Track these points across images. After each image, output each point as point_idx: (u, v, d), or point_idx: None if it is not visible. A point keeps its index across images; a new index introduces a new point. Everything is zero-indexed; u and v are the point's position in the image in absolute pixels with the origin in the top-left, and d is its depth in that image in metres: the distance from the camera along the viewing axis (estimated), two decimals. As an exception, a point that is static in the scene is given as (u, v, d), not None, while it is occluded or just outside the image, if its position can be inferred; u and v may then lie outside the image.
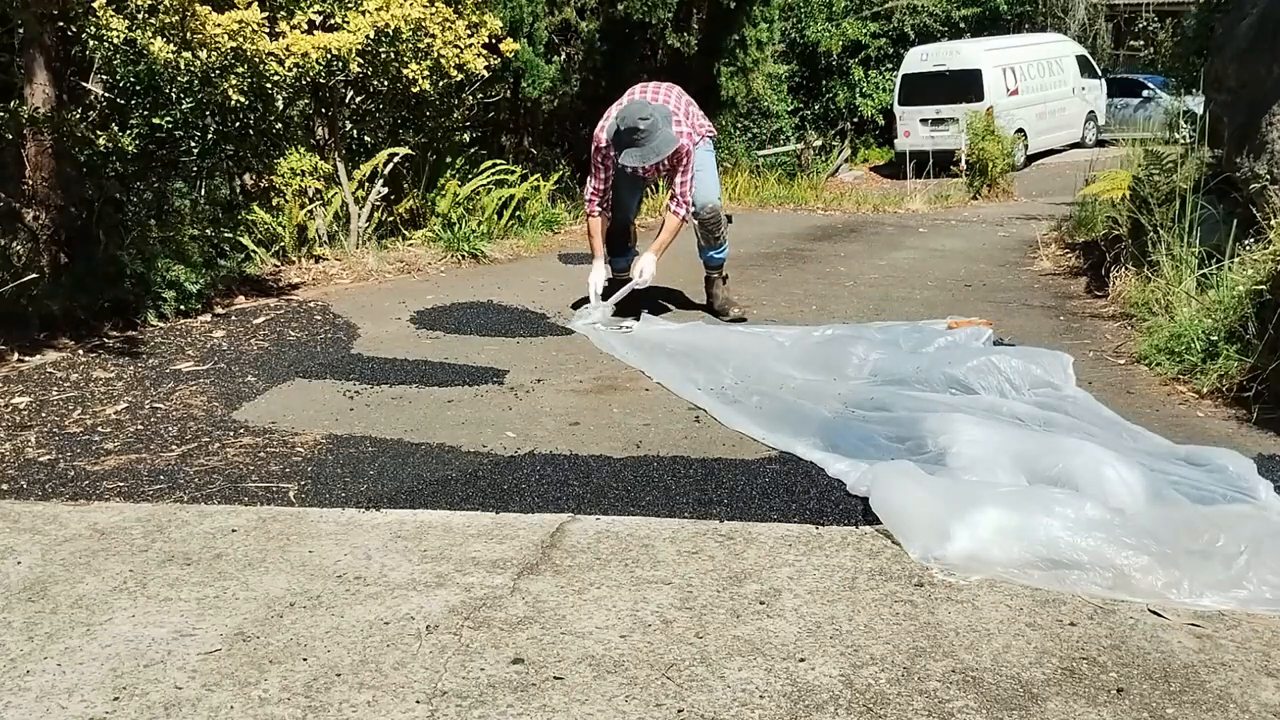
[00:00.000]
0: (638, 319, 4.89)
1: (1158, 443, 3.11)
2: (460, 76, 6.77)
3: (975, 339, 4.17)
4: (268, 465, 3.17)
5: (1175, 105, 6.40)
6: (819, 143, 18.72)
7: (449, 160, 7.81)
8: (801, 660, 2.04)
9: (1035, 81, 17.63)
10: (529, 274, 6.60)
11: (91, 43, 5.08)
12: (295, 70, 5.97)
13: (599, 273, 5.10)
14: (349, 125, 7.53)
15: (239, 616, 2.25)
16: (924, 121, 17.19)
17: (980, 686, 1.94)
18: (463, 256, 6.98)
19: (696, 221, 5.09)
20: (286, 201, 6.66)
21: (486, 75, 7.33)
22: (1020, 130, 16.64)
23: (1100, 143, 17.72)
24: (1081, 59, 19.04)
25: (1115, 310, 4.90)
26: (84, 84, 5.80)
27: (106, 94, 6.00)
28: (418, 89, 6.54)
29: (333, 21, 6.28)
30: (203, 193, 6.69)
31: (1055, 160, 17.28)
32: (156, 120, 6.17)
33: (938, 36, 19.64)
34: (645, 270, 4.98)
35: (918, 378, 3.74)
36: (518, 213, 8.16)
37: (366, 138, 7.70)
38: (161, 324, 5.02)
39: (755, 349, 4.24)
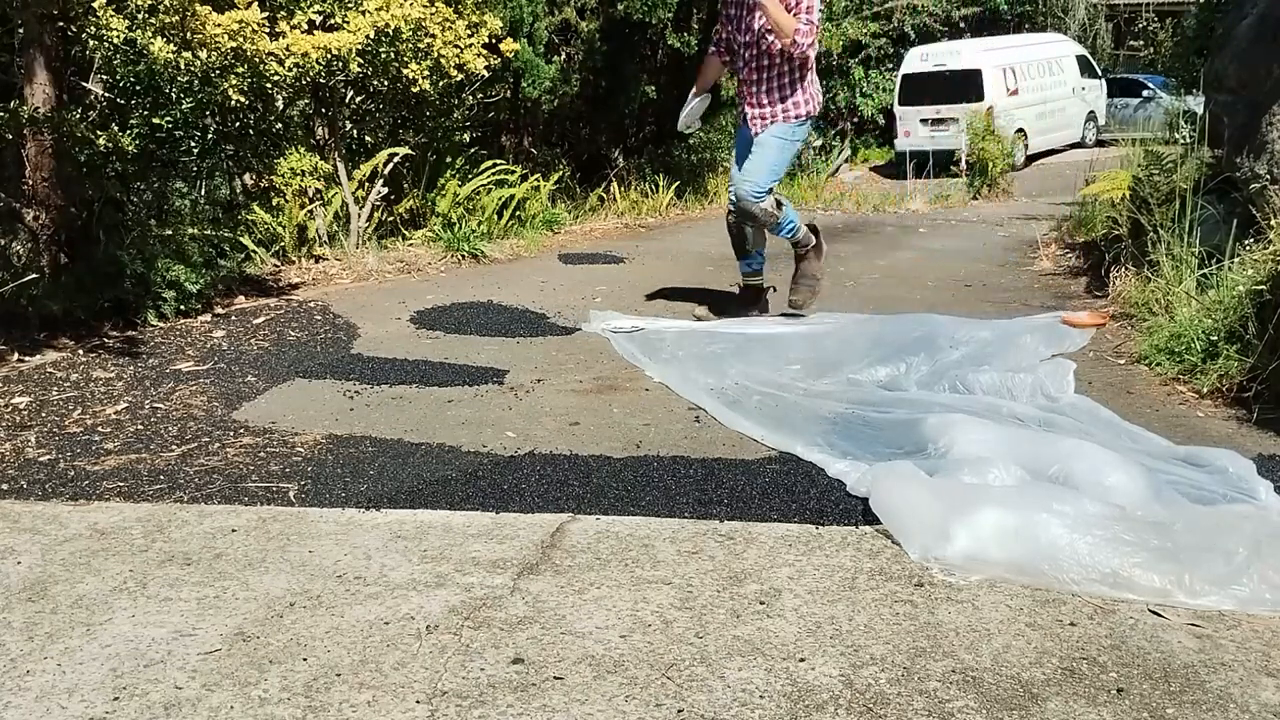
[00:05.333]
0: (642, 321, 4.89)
1: (1157, 443, 3.11)
2: (460, 76, 6.77)
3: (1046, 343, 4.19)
4: (268, 465, 3.17)
5: (1175, 105, 6.39)
6: (819, 143, 18.72)
7: (449, 160, 7.82)
8: (801, 660, 2.04)
9: (1035, 81, 17.63)
10: (529, 274, 6.60)
11: (91, 43, 5.09)
12: (295, 70, 5.97)
13: (687, 107, 5.02)
14: (349, 125, 7.53)
15: (239, 616, 2.25)
16: (924, 121, 17.19)
17: (980, 686, 1.94)
18: (463, 256, 6.98)
19: (733, 212, 4.91)
20: (286, 201, 6.66)
21: (486, 75, 7.34)
22: (1020, 130, 16.65)
23: (1100, 143, 17.73)
24: (1081, 59, 19.04)
25: (1115, 310, 4.89)
26: (84, 84, 5.81)
27: (106, 94, 6.01)
28: (418, 89, 6.54)
29: (333, 21, 6.28)
30: (203, 193, 6.71)
31: (1055, 160, 17.28)
32: (156, 120, 6.18)
33: (938, 36, 19.63)
34: None
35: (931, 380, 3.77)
36: (518, 213, 8.16)
37: (366, 138, 7.71)
38: (161, 324, 5.02)
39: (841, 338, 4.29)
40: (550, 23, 9.70)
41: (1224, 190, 4.76)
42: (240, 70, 5.67)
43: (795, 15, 4.57)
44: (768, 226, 4.89)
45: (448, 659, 2.06)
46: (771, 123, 4.78)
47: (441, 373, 4.21)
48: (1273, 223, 3.92)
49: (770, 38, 4.64)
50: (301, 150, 6.57)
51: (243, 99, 5.88)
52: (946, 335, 4.14)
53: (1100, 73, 19.60)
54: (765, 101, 4.78)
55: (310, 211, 6.79)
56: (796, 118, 4.79)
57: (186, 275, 5.18)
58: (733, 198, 4.88)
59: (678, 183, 10.89)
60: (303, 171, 6.46)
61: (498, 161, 8.30)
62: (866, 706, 1.88)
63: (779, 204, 4.85)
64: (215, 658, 2.08)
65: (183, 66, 5.37)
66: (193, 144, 6.69)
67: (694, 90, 5.03)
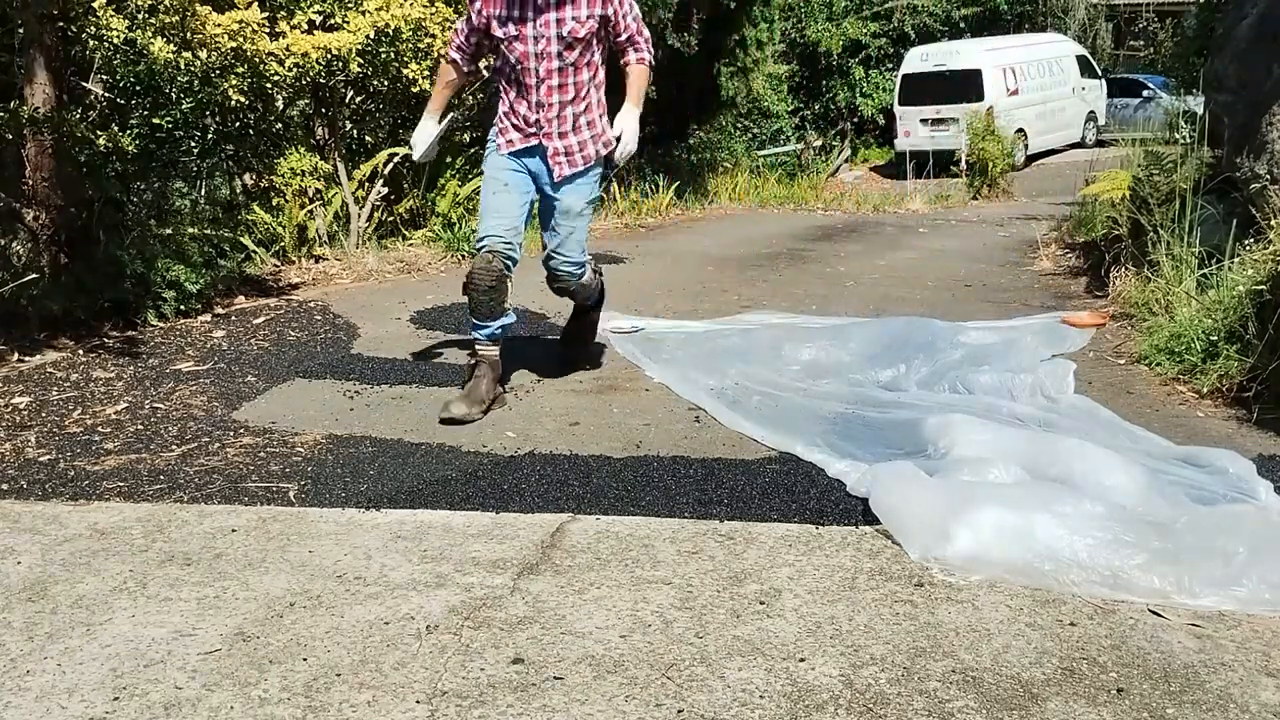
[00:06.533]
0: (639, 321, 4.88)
1: (1157, 443, 3.11)
2: (460, 76, 6.77)
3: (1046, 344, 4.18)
4: (268, 465, 3.17)
5: (1175, 105, 6.39)
6: (819, 143, 18.77)
7: (449, 160, 7.81)
8: (801, 660, 2.04)
9: (1035, 81, 17.66)
10: (529, 274, 6.57)
11: (91, 43, 5.09)
12: (295, 70, 5.97)
13: (421, 130, 3.97)
14: (349, 125, 7.53)
15: (239, 616, 2.25)
16: (924, 121, 17.22)
17: (980, 686, 1.94)
18: (463, 256, 6.98)
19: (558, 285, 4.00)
20: (286, 201, 6.66)
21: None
22: (1020, 130, 16.68)
23: (1100, 143, 17.73)
24: (1081, 59, 19.06)
25: (1115, 310, 4.90)
26: (84, 84, 5.80)
27: (106, 94, 6.00)
28: (418, 89, 6.54)
29: (333, 21, 6.28)
30: (203, 193, 6.70)
31: (1055, 160, 17.29)
32: (156, 120, 6.18)
33: (938, 36, 19.66)
34: (627, 133, 3.82)
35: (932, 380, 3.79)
36: (518, 212, 8.15)
37: (366, 138, 7.70)
38: (161, 324, 5.02)
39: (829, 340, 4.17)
40: (550, 23, 9.69)
41: (1224, 190, 4.76)
42: (240, 70, 5.68)
43: (626, 35, 3.75)
44: (588, 296, 4.19)
45: (448, 659, 2.06)
46: (581, 160, 3.81)
47: (441, 373, 4.21)
48: (1273, 223, 3.92)
49: (582, 54, 3.67)
50: (301, 150, 6.57)
51: (243, 99, 5.88)
52: (946, 336, 4.15)
53: (1100, 73, 19.63)
54: (569, 130, 3.76)
55: (310, 211, 6.79)
56: (606, 147, 3.87)
57: (186, 275, 5.18)
58: (493, 255, 3.70)
59: (678, 183, 10.89)
60: (303, 171, 6.46)
61: (498, 161, 8.29)
62: (866, 706, 1.88)
63: (598, 271, 4.20)
64: (215, 658, 2.08)
65: (183, 66, 5.38)
66: (193, 144, 6.69)
67: (427, 111, 4.01)
